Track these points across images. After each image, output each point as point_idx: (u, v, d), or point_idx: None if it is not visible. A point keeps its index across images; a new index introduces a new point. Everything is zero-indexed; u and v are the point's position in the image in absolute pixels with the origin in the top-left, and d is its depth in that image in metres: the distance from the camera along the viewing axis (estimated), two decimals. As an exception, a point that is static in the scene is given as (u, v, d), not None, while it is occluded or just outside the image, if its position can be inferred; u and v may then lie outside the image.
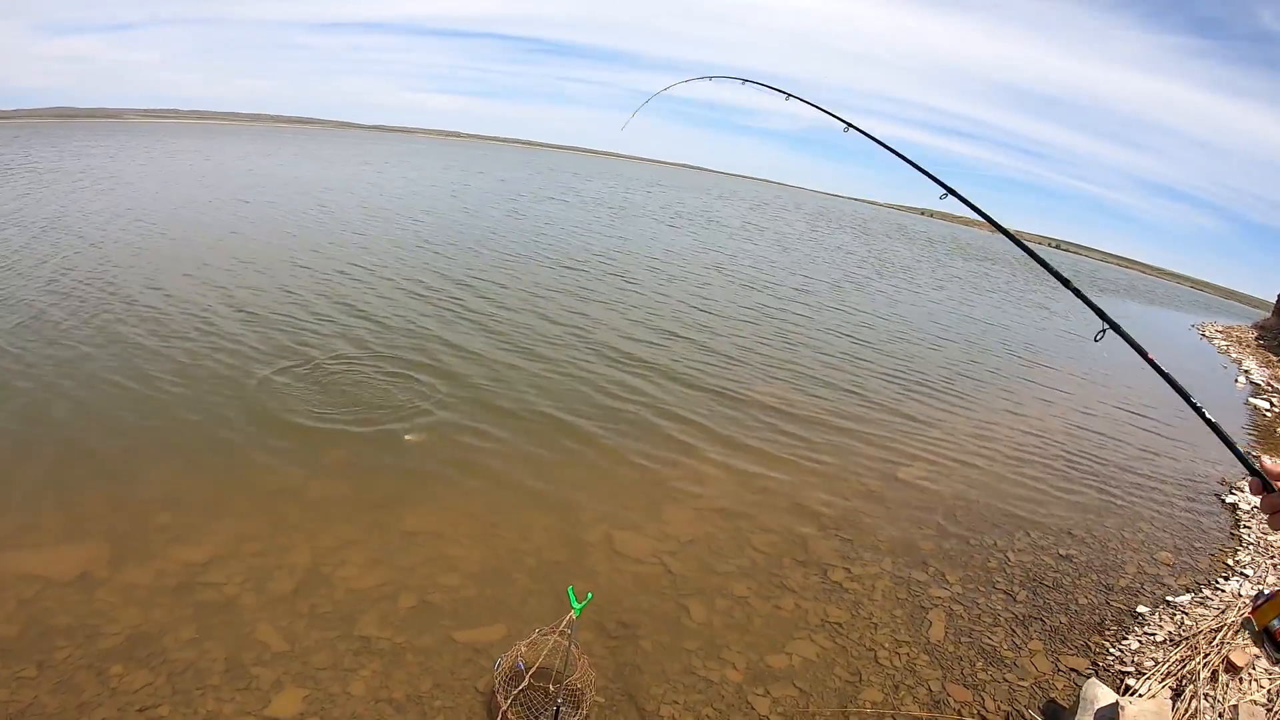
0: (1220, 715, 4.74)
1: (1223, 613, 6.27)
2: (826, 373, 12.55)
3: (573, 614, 3.97)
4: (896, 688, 5.01)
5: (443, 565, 5.59)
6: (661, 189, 75.04)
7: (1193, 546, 8.06)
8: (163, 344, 9.39)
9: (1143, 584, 7.03)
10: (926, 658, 5.38)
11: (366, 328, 11.04)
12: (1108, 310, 2.79)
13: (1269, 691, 4.90)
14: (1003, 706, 5.01)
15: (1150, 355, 2.56)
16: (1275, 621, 1.88)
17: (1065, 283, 3.03)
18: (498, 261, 18.50)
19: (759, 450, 8.66)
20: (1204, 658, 5.40)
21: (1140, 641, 5.94)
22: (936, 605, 6.07)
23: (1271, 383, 19.66)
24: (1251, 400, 17.21)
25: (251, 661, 4.40)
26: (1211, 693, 4.96)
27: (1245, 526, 8.70)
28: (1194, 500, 9.51)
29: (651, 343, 12.59)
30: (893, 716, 4.76)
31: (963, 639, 5.68)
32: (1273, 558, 7.79)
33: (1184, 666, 5.38)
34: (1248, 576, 7.27)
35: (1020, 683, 5.28)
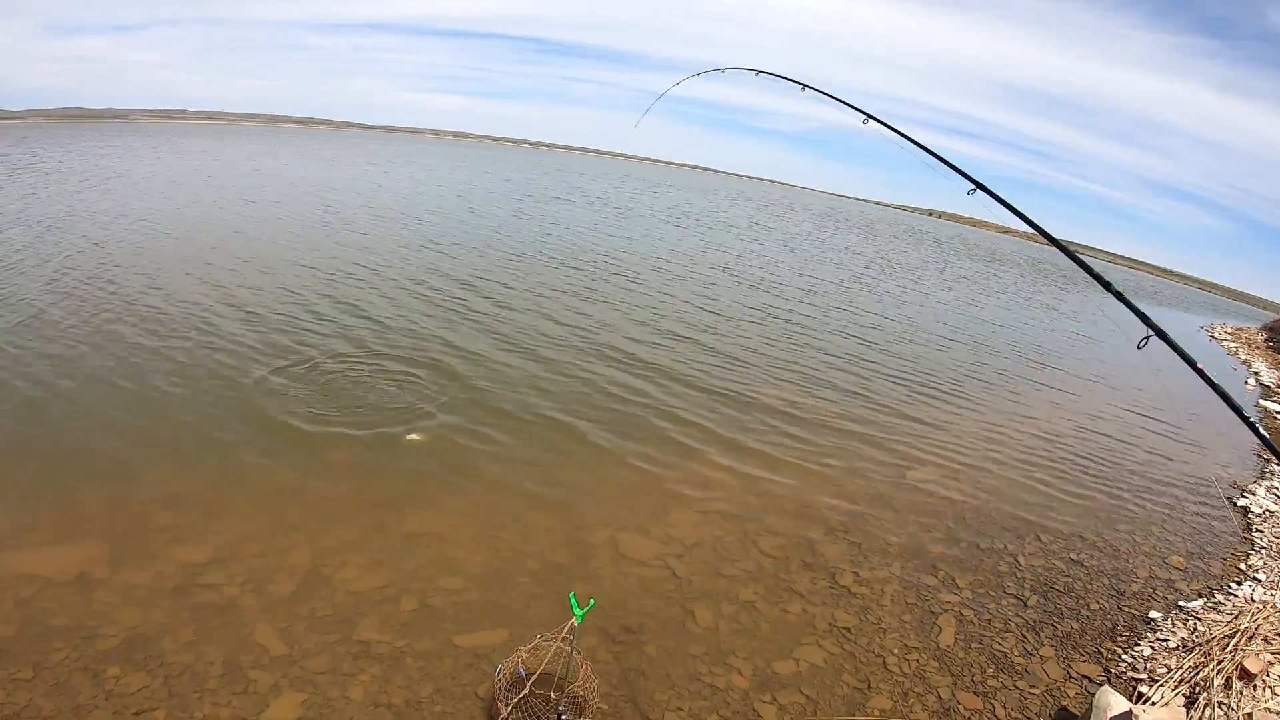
0: (1235, 724, 4.65)
1: (1236, 618, 6.16)
2: (834, 374, 12.45)
3: (574, 620, 3.89)
4: (906, 695, 4.93)
5: (444, 568, 5.52)
6: (668, 189, 74.92)
7: (1204, 550, 7.96)
8: (163, 344, 9.36)
9: (1155, 589, 6.93)
10: (936, 664, 5.30)
11: (369, 328, 10.99)
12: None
13: (1286, 699, 4.80)
14: (1014, 714, 4.93)
15: (1199, 365, 2.45)
16: None
17: (1107, 286, 2.92)
18: (503, 262, 18.44)
19: (765, 452, 8.57)
20: (1217, 664, 5.30)
21: (1153, 648, 5.84)
22: (946, 610, 5.97)
23: (1282, 385, 19.50)
24: (1262, 402, 17.07)
25: (250, 665, 4.34)
26: (1226, 700, 4.86)
27: (1257, 530, 8.58)
28: (1205, 504, 9.39)
29: (657, 344, 12.51)
30: (902, 725, 4.69)
31: (973, 645, 5.59)
32: (1287, 562, 7.68)
33: (1197, 673, 5.28)
34: (1260, 581, 7.17)
35: (1031, 690, 5.19)
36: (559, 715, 4.03)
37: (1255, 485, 10.23)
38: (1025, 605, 6.25)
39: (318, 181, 34.15)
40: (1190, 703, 4.94)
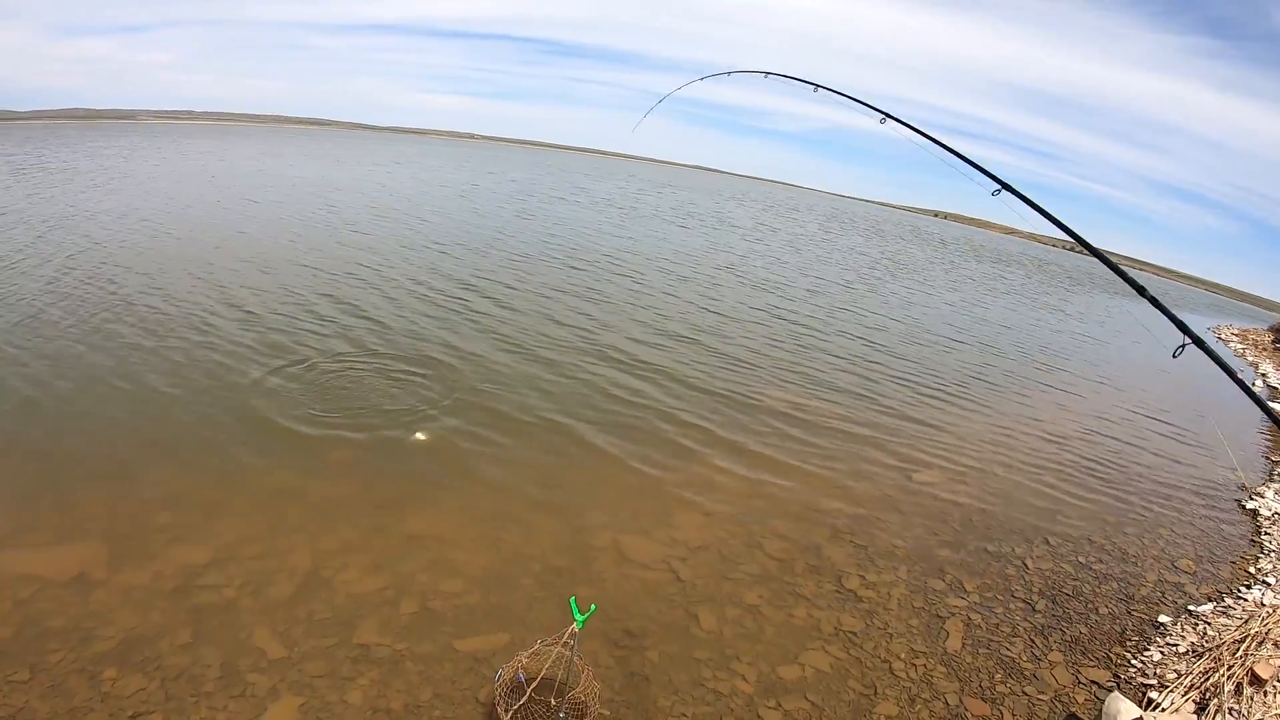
0: (1246, 730, 4.59)
1: (1246, 622, 6.09)
2: (839, 376, 12.38)
3: (575, 626, 3.83)
4: (913, 701, 4.86)
5: (445, 570, 5.47)
6: (672, 190, 74.86)
7: (1213, 554, 7.88)
8: (163, 344, 9.33)
9: (1164, 592, 6.85)
10: (943, 669, 5.23)
11: (371, 329, 10.95)
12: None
13: (1297, 705, 4.74)
14: (1022, 721, 4.86)
15: (1239, 375, 2.39)
16: None
17: (1141, 291, 2.84)
18: (506, 262, 18.39)
19: (770, 454, 8.50)
20: (1228, 670, 5.24)
21: (1162, 653, 5.77)
22: (954, 615, 5.90)
23: (1290, 386, 19.34)
24: (1270, 404, 16.91)
25: (248, 668, 4.29)
26: (1236, 706, 4.81)
27: (1266, 533, 8.51)
28: (1213, 506, 9.32)
29: (661, 345, 12.44)
30: (909, 731, 4.62)
31: (981, 650, 5.52)
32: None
33: (1207, 679, 5.22)
34: (1270, 585, 7.10)
35: (1040, 696, 5.11)
36: None
37: (1264, 488, 10.17)
38: (1033, 609, 6.18)
39: (321, 182, 34.19)
40: (1201, 709, 4.89)
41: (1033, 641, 5.72)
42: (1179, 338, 2.91)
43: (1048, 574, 6.83)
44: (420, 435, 7.57)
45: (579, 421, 8.60)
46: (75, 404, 7.50)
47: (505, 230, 24.36)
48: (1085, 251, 3.18)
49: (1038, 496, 8.63)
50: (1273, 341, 30.13)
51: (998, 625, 5.86)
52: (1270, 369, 22.58)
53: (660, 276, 19.60)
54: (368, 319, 11.43)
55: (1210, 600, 6.75)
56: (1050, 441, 10.86)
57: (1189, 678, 5.27)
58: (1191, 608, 6.54)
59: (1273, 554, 7.91)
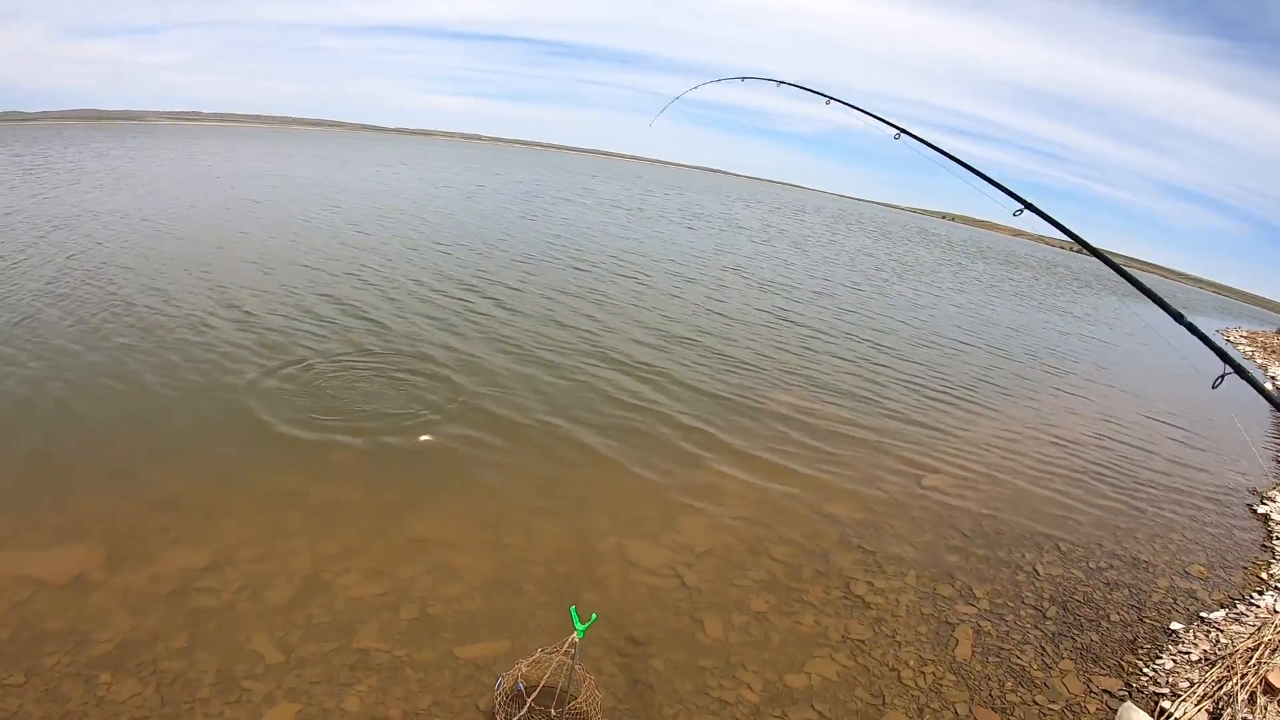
0: (1261, 741, 4.50)
1: (1259, 630, 6.01)
2: (846, 379, 12.28)
3: (575, 635, 3.76)
4: (921, 711, 4.77)
5: (447, 575, 5.39)
6: (679, 191, 74.82)
7: (1225, 560, 7.77)
8: (163, 345, 9.28)
9: (1175, 599, 6.74)
10: (953, 678, 5.13)
11: (373, 331, 10.88)
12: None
13: (1313, 717, 4.65)
14: (1034, 732, 4.77)
15: None
16: None
17: (1179, 318, 2.73)
18: (510, 264, 18.33)
19: (778, 459, 8.41)
20: (1241, 678, 5.17)
21: (1175, 661, 5.67)
22: (963, 622, 5.80)
23: (1301, 390, 19.16)
24: (1281, 409, 16.77)
25: (244, 674, 4.22)
26: (1250, 716, 4.75)
27: (1278, 538, 8.41)
28: (1225, 511, 9.21)
29: (666, 348, 12.35)
30: (918, 741, 4.54)
31: (991, 658, 5.42)
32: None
33: (1220, 688, 5.15)
34: (1283, 591, 6.99)
35: (1051, 705, 5.02)
36: None
37: (1275, 492, 10.06)
38: (1044, 616, 6.08)
39: (327, 182, 34.21)
40: (1214, 718, 4.79)
41: (1043, 649, 5.62)
42: (1207, 355, 2.81)
43: (1058, 580, 6.73)
44: (426, 437, 7.51)
45: (583, 425, 8.52)
46: (74, 405, 7.45)
47: (510, 231, 24.33)
48: (1117, 272, 3.06)
49: (1047, 501, 8.53)
50: (1283, 344, 29.92)
51: (1008, 633, 5.76)
52: (1280, 371, 22.42)
53: (666, 278, 19.52)
54: (371, 321, 11.37)
55: (1222, 607, 6.64)
56: (1059, 445, 10.75)
57: (1202, 687, 5.20)
58: (1204, 614, 6.44)
59: (1286, 560, 7.79)
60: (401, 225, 22.40)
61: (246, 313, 10.96)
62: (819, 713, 4.58)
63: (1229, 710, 4.80)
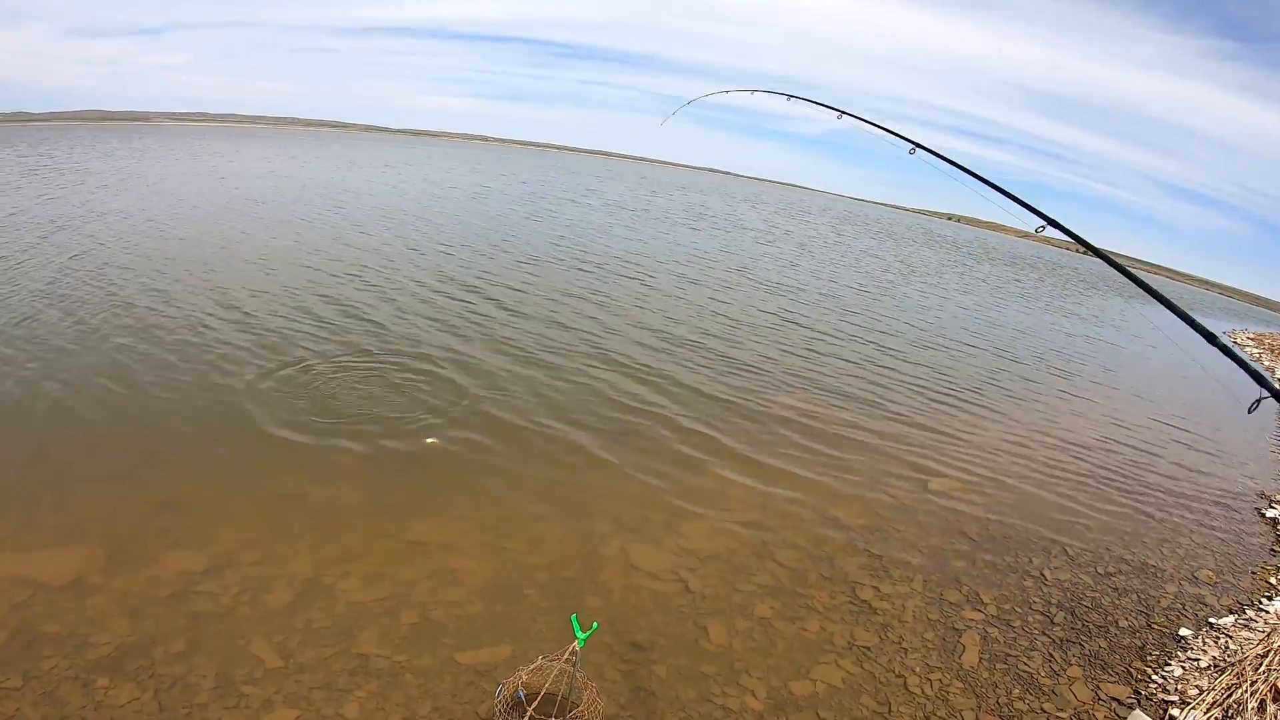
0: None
1: (1268, 636, 5.95)
2: (852, 381, 12.21)
3: (576, 644, 3.70)
4: (928, 718, 4.70)
5: (448, 579, 5.35)
6: (684, 192, 74.68)
7: (1234, 564, 7.71)
8: (164, 347, 9.27)
9: (1184, 604, 6.68)
10: (960, 685, 5.07)
11: (376, 333, 10.85)
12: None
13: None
14: (1041, 740, 4.71)
15: None
16: None
17: (1212, 339, 2.65)
18: (514, 265, 18.30)
19: (783, 462, 8.35)
20: (1250, 685, 5.12)
21: (1184, 667, 5.61)
22: (970, 628, 5.74)
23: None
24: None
25: (242, 679, 4.19)
26: (1260, 724, 4.64)
27: (1287, 542, 8.31)
28: (1233, 515, 9.14)
29: (670, 351, 12.28)
30: (924, 750, 4.48)
31: (998, 665, 5.36)
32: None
33: (1230, 695, 5.09)
34: (1292, 597, 6.92)
35: (1059, 713, 4.95)
36: None
37: (1283, 496, 9.95)
38: (1052, 622, 6.01)
39: (331, 183, 34.22)
40: (1224, 727, 4.74)
41: (1051, 656, 5.56)
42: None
43: (1066, 585, 6.66)
44: (431, 440, 7.47)
45: (585, 428, 8.47)
46: (73, 406, 7.43)
47: (514, 233, 24.29)
48: (1139, 286, 2.99)
49: (1055, 506, 8.46)
50: (1290, 346, 29.72)
51: (1015, 639, 5.70)
52: (1289, 374, 22.27)
53: (670, 279, 19.46)
54: (373, 323, 11.34)
55: (1231, 612, 6.58)
56: (1067, 449, 10.66)
57: (1211, 694, 5.14)
58: (1213, 620, 6.38)
59: (1295, 564, 7.72)
60: (405, 227, 22.38)
61: (248, 314, 10.94)
62: (824, 720, 4.53)
63: (1239, 718, 4.73)
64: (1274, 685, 4.97)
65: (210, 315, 10.68)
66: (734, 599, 5.64)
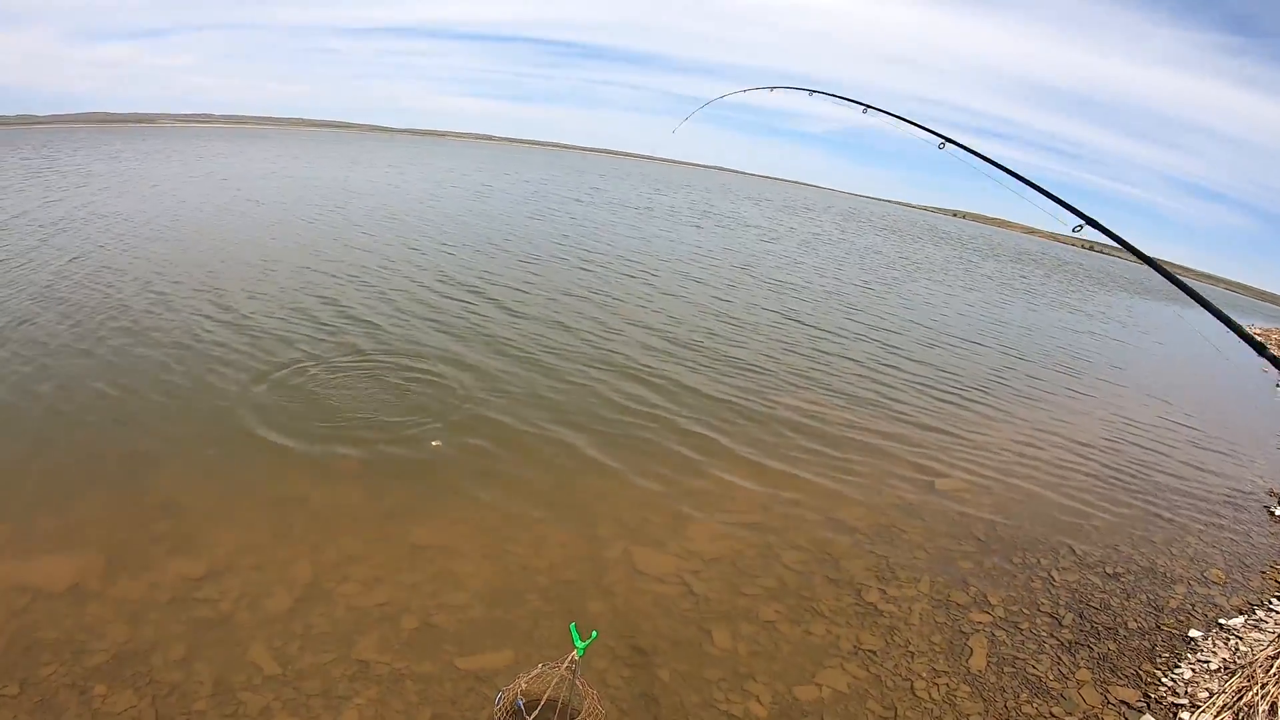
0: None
1: (1279, 637, 5.85)
2: (857, 381, 12.13)
3: (575, 653, 3.64)
4: (935, 724, 4.64)
5: (450, 583, 5.30)
6: (689, 190, 74.49)
7: (1243, 563, 7.63)
8: (162, 349, 9.24)
9: (1194, 605, 6.60)
10: (967, 689, 5.01)
11: (377, 336, 10.79)
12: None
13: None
14: (1050, 745, 4.65)
15: None
16: None
17: (1260, 349, 2.55)
18: (516, 265, 18.24)
19: (787, 464, 8.28)
20: (1261, 688, 5.05)
21: (1193, 670, 5.54)
22: (978, 630, 5.67)
23: (1315, 389, 18.88)
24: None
25: (241, 685, 4.15)
26: (1271, 728, 4.58)
27: (1297, 542, 8.22)
28: (1242, 513, 9.05)
29: (673, 351, 12.20)
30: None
31: (1006, 668, 5.29)
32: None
33: (1240, 698, 5.02)
34: (1303, 597, 6.84)
35: (1068, 718, 4.90)
36: None
37: (1293, 494, 9.85)
38: (1060, 624, 5.94)
39: (335, 184, 34.21)
40: (1235, 731, 4.68)
41: (1060, 659, 5.49)
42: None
43: (1074, 586, 6.59)
44: (436, 443, 7.42)
45: (587, 430, 8.41)
46: (71, 410, 7.40)
47: (517, 232, 24.21)
48: (1185, 293, 2.87)
49: (1062, 505, 8.38)
50: (1299, 343, 29.52)
51: (1024, 642, 5.63)
52: (1297, 371, 22.07)
53: (674, 279, 19.36)
54: (375, 325, 11.28)
55: (1241, 613, 6.50)
56: (1074, 448, 10.57)
57: (1221, 697, 5.07)
58: (1222, 621, 6.31)
59: (1305, 563, 7.65)
60: (408, 227, 22.31)
61: (247, 316, 10.91)
62: (829, 727, 4.47)
63: (1250, 722, 4.67)
64: (1285, 688, 4.92)
65: (209, 318, 10.65)
66: (738, 602, 5.59)
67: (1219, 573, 7.30)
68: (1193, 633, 6.07)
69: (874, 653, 5.21)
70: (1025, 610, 6.06)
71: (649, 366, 11.06)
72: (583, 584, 5.54)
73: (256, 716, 3.95)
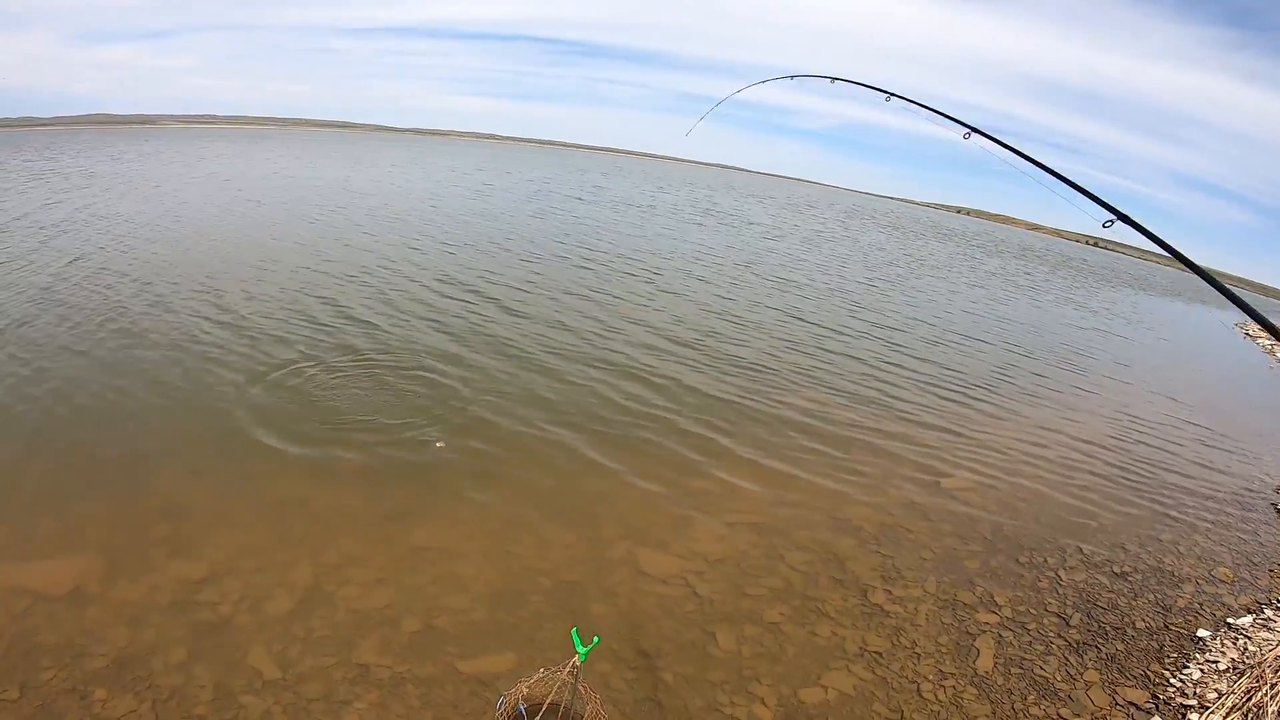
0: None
1: (1289, 637, 5.82)
2: (861, 379, 12.08)
3: (577, 658, 3.60)
4: (942, 726, 4.59)
5: (451, 585, 5.27)
6: (692, 188, 74.40)
7: (1251, 562, 7.58)
8: (162, 351, 9.22)
9: (1202, 604, 6.55)
10: (974, 691, 4.96)
11: (378, 336, 10.75)
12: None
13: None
14: (1059, 749, 4.60)
15: None
16: None
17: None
18: (518, 264, 18.19)
19: (791, 464, 8.23)
20: (1271, 688, 5.01)
21: (1202, 670, 5.49)
22: (984, 631, 5.63)
23: (1320, 385, 18.79)
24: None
25: (241, 689, 4.12)
26: (1281, 729, 4.54)
27: (1305, 540, 8.17)
28: (1250, 511, 9.00)
29: (676, 350, 12.15)
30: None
31: (1013, 669, 5.24)
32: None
33: (1249, 699, 4.97)
34: (1312, 595, 6.79)
35: (1076, 719, 4.81)
36: None
37: (1301, 492, 9.80)
38: (1068, 625, 5.89)
39: (337, 184, 34.17)
40: (1244, 732, 4.63)
41: (1067, 659, 5.44)
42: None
43: (1082, 585, 6.54)
44: (440, 444, 7.39)
45: (589, 431, 8.36)
46: (71, 413, 7.38)
47: (518, 231, 24.15)
48: (1221, 292, 2.76)
49: (1070, 504, 8.33)
50: (1305, 339, 29.35)
51: (1031, 643, 5.58)
52: (1302, 367, 22.01)
53: (676, 277, 19.31)
54: (375, 326, 11.24)
55: (1250, 612, 6.45)
56: (1080, 446, 10.51)
57: (1230, 698, 5.03)
58: (1231, 620, 6.26)
59: (1314, 562, 7.59)
60: (409, 227, 22.25)
61: (246, 318, 10.87)
62: (835, 729, 4.43)
63: (1259, 723, 4.62)
64: (1295, 687, 4.87)
65: (209, 320, 10.62)
66: (743, 604, 5.55)
67: (1227, 571, 7.24)
68: (1201, 632, 6.02)
69: (880, 654, 5.17)
70: (1032, 611, 6.01)
71: (651, 366, 11.01)
72: (585, 586, 5.50)
73: (257, 720, 3.93)
